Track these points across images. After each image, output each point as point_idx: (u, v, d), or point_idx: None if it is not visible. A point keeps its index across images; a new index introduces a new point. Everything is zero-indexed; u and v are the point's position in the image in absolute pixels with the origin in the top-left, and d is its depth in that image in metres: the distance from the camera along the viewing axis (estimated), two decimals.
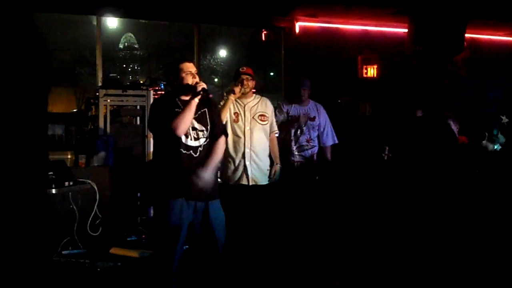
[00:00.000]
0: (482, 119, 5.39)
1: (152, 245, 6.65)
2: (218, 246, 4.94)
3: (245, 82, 6.27)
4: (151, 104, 5.12)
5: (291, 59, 10.74)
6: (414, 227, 2.20)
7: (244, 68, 6.37)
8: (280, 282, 5.85)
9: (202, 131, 4.95)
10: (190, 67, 4.98)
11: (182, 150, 4.80)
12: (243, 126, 6.29)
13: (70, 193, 6.76)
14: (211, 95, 5.15)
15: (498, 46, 12.21)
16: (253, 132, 6.32)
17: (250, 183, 6.27)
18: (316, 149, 7.58)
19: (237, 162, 6.27)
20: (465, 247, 2.15)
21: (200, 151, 4.90)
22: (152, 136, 5.32)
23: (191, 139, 4.88)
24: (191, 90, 4.86)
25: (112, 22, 12.48)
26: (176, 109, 4.83)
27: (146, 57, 17.38)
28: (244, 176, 6.26)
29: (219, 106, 6.09)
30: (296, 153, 7.45)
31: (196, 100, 4.79)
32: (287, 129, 7.40)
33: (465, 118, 6.95)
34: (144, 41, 16.36)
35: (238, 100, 6.35)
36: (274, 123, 6.66)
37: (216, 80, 18.65)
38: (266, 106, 6.51)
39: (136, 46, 17.15)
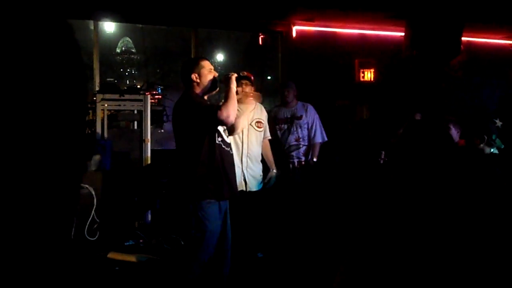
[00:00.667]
0: (481, 123, 5.42)
1: (153, 250, 6.67)
2: (229, 246, 4.94)
3: (244, 87, 6.17)
4: (186, 103, 4.82)
5: (288, 63, 10.76)
6: (410, 228, 2.21)
7: (245, 72, 6.32)
8: (280, 283, 5.86)
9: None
10: (209, 64, 4.95)
11: (224, 147, 4.81)
12: (241, 134, 6.22)
13: None
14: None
15: (495, 49, 12.24)
16: (250, 139, 6.32)
17: (247, 190, 6.27)
18: (304, 149, 7.62)
19: (236, 169, 6.23)
20: (462, 247, 2.16)
21: (231, 147, 4.98)
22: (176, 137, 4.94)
23: (226, 136, 4.93)
24: (223, 82, 4.85)
25: (109, 27, 12.50)
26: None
27: (144, 61, 17.40)
28: (243, 182, 6.23)
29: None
30: (287, 154, 7.48)
31: (234, 88, 4.76)
32: (275, 132, 7.43)
33: (466, 121, 6.99)
34: (141, 46, 16.36)
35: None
36: (267, 129, 6.70)
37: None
38: (261, 112, 6.54)
39: (133, 50, 17.16)
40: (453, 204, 2.31)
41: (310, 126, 7.61)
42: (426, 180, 2.33)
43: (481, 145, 5.22)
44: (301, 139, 7.54)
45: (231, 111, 4.60)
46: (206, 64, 4.89)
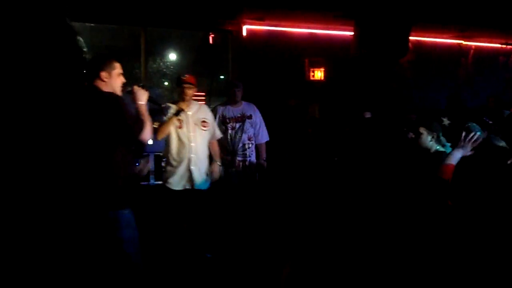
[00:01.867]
0: (426, 122, 5.51)
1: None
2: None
3: (186, 91, 6.38)
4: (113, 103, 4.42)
5: (239, 62, 10.76)
6: (357, 226, 2.24)
7: (186, 76, 6.40)
8: (229, 282, 5.87)
9: None
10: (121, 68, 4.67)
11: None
12: (187, 133, 6.34)
13: None
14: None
15: (443, 48, 12.41)
16: (196, 138, 6.40)
17: (194, 187, 6.34)
18: (254, 147, 7.67)
19: (182, 167, 6.31)
20: (399, 244, 2.19)
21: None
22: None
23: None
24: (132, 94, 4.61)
25: None
26: None
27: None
28: (189, 180, 6.32)
29: (163, 119, 6.28)
30: (240, 152, 7.49)
31: (143, 102, 4.57)
32: (226, 131, 7.44)
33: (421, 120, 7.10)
34: (91, 45, 16.19)
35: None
36: (217, 128, 6.82)
37: (166, 83, 18.53)
38: (206, 112, 6.65)
39: (84, 49, 16.98)
40: (396, 199, 2.34)
41: (258, 126, 7.66)
42: (373, 176, 2.37)
43: (430, 142, 5.31)
44: (252, 138, 7.59)
45: (147, 132, 4.40)
46: (119, 67, 4.62)
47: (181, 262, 6.21)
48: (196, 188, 6.35)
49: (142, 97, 4.62)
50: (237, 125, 7.52)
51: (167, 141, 6.37)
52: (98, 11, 9.62)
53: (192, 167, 6.31)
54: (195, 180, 6.33)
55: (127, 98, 4.55)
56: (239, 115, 7.54)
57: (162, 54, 17.92)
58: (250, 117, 7.58)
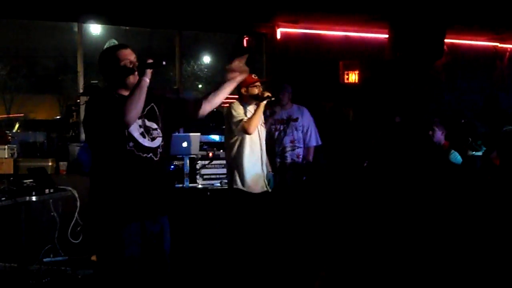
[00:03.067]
0: (471, 126, 5.46)
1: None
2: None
3: (259, 88, 6.09)
4: (86, 104, 3.92)
5: (273, 64, 10.78)
6: (392, 232, 2.25)
7: (253, 75, 6.11)
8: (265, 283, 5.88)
9: (156, 129, 3.90)
10: (128, 54, 3.84)
11: (140, 153, 3.77)
12: (257, 132, 6.06)
13: (51, 200, 6.73)
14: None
15: (478, 51, 12.31)
16: (261, 137, 6.17)
17: (269, 189, 6.16)
18: (301, 150, 7.67)
19: (258, 169, 6.08)
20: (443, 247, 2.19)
21: (160, 152, 3.88)
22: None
23: (148, 140, 3.84)
24: (138, 69, 3.70)
25: (95, 29, 12.45)
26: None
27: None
28: (265, 182, 6.13)
29: (248, 113, 5.93)
30: (279, 154, 7.54)
31: (147, 79, 3.60)
32: (270, 131, 7.46)
33: (450, 123, 7.05)
34: None
35: (248, 106, 6.10)
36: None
37: (200, 86, 18.63)
38: None
39: None
40: (431, 203, 2.34)
41: (306, 129, 7.67)
42: (404, 181, 2.37)
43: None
44: (296, 141, 7.62)
45: (130, 107, 3.58)
46: (123, 54, 3.84)
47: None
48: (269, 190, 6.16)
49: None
50: (281, 127, 7.58)
51: (232, 142, 6.01)
52: (134, 15, 9.72)
53: (263, 168, 6.11)
54: (267, 182, 6.15)
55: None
56: (284, 118, 7.61)
57: (196, 57, 18.04)
58: (296, 120, 7.63)
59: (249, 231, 6.00)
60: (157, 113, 3.97)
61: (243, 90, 6.04)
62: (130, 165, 3.77)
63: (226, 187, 6.40)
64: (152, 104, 3.95)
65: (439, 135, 6.87)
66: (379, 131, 7.05)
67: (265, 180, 6.12)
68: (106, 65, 3.92)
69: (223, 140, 6.81)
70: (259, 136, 6.08)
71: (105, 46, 13.22)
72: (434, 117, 8.76)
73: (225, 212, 6.26)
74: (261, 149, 6.09)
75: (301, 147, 7.67)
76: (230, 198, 6.13)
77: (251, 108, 6.00)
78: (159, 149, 3.87)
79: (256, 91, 6.00)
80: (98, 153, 3.90)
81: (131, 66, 3.77)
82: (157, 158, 3.84)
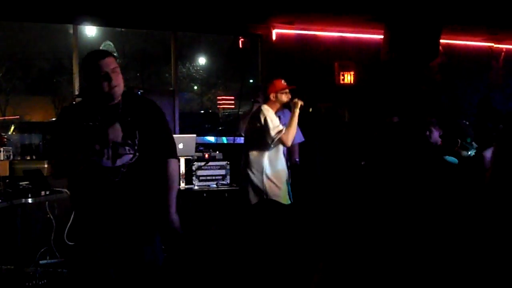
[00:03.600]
0: (457, 126, 5.45)
1: None
2: None
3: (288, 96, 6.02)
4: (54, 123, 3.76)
5: (269, 66, 10.78)
6: (387, 229, 2.24)
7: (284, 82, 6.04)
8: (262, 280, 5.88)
9: (128, 145, 3.62)
10: (108, 63, 3.57)
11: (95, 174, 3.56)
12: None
13: (46, 202, 6.74)
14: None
15: (474, 51, 12.33)
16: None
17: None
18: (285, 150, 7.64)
19: (284, 179, 6.01)
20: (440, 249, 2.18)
21: (122, 172, 3.58)
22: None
23: (106, 158, 3.57)
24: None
25: (90, 31, 12.46)
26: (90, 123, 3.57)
27: (124, 65, 17.34)
28: (288, 196, 6.08)
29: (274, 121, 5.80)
30: None
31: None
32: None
33: (445, 124, 7.05)
34: (121, 50, 16.30)
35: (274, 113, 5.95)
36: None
37: (195, 87, 18.64)
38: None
39: (115, 54, 17.14)
40: (428, 205, 2.33)
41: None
42: (401, 182, 2.36)
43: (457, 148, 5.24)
44: None
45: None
46: (104, 64, 3.56)
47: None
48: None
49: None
50: None
51: (257, 153, 5.86)
52: (129, 16, 9.70)
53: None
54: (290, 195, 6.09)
55: None
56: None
57: (191, 59, 18.04)
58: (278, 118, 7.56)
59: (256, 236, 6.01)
60: (135, 127, 3.66)
61: (272, 96, 5.89)
62: (88, 185, 3.61)
63: (233, 189, 6.34)
64: (129, 118, 3.65)
65: (436, 136, 6.88)
66: (375, 131, 7.04)
67: (289, 191, 6.08)
68: (86, 71, 3.61)
69: (219, 142, 6.80)
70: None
71: (101, 48, 13.11)
72: (430, 117, 8.78)
73: (254, 224, 6.18)
74: (285, 160, 6.06)
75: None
76: (262, 209, 5.92)
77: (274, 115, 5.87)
78: (122, 169, 3.58)
79: (284, 98, 5.91)
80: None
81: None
82: (117, 179, 3.57)
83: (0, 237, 6.29)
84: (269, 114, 5.77)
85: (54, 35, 13.72)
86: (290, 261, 5.98)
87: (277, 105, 5.91)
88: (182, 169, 7.62)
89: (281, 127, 5.72)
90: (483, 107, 9.94)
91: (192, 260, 6.29)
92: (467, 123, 5.69)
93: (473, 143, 5.33)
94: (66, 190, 6.93)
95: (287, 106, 6.58)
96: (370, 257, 2.13)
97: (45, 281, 6.20)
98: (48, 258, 6.92)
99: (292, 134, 5.73)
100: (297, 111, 5.81)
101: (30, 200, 6.09)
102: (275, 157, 5.82)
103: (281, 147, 5.87)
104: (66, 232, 7.01)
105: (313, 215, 7.47)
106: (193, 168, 7.45)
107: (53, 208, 6.89)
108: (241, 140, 8.84)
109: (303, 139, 7.72)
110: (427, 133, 6.77)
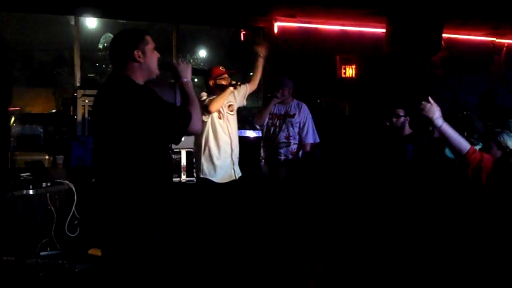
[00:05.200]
0: (467, 120, 5.43)
1: None
2: None
3: (226, 80, 6.32)
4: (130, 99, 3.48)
5: (270, 58, 10.74)
6: (387, 226, 2.23)
7: (221, 67, 6.40)
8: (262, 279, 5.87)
9: None
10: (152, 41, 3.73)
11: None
12: (226, 122, 6.28)
13: (47, 194, 6.74)
14: None
15: (476, 46, 12.31)
16: (231, 124, 6.34)
17: (237, 177, 6.34)
18: (296, 147, 7.62)
19: (228, 159, 6.28)
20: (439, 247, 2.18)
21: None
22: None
23: None
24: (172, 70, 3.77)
25: (91, 22, 12.44)
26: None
27: None
28: (233, 171, 6.32)
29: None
30: (274, 150, 7.49)
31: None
32: (267, 127, 7.49)
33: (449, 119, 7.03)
34: None
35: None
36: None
37: (196, 80, 18.60)
38: (233, 96, 6.49)
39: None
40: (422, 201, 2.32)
41: (302, 125, 7.59)
42: (399, 176, 2.35)
43: None
44: (291, 137, 7.51)
45: (197, 121, 3.66)
46: (151, 40, 3.70)
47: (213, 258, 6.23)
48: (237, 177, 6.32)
49: (186, 71, 3.80)
50: (277, 122, 7.52)
51: (201, 136, 6.21)
52: (130, 8, 9.68)
53: (234, 158, 6.30)
54: (236, 170, 6.33)
55: (161, 86, 3.97)
56: (282, 113, 7.53)
57: (192, 51, 18.00)
58: (292, 116, 7.53)
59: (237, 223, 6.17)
60: None
61: (211, 83, 6.28)
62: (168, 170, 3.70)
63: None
64: None
65: None
66: (384, 121, 7.01)
67: (234, 169, 6.29)
68: (133, 46, 3.61)
69: None
70: (228, 123, 6.27)
71: (101, 40, 13.05)
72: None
73: (194, 203, 6.40)
74: (230, 136, 6.26)
75: (296, 143, 7.60)
76: (196, 188, 6.35)
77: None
78: None
79: (224, 82, 6.24)
80: (137, 152, 3.51)
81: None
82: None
83: (1, 228, 6.29)
84: (200, 95, 6.13)
85: (54, 27, 13.67)
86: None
87: (216, 90, 6.20)
88: (184, 161, 7.62)
89: (204, 97, 6.14)
90: (485, 102, 9.93)
91: (190, 252, 6.30)
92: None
93: (479, 141, 5.29)
94: (67, 182, 6.95)
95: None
96: (365, 255, 2.13)
97: (45, 272, 6.20)
98: (48, 249, 6.93)
99: (218, 102, 6.04)
100: (229, 89, 6.19)
101: (31, 192, 6.10)
102: (211, 134, 6.18)
103: (221, 123, 6.24)
104: (67, 223, 7.01)
105: (311, 209, 7.49)
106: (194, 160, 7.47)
107: (54, 199, 6.89)
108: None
109: (318, 141, 7.72)
110: (430, 128, 6.76)
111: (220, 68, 6.34)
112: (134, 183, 3.48)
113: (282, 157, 7.50)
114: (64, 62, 15.09)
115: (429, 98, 4.27)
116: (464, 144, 3.90)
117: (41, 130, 8.58)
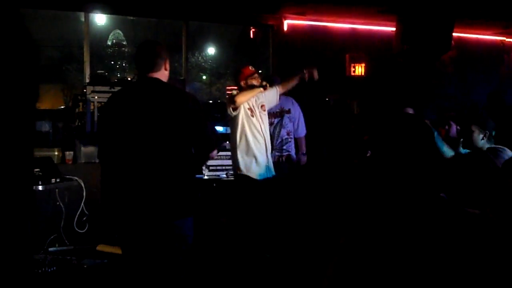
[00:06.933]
0: (479, 119, 5.38)
1: None
2: None
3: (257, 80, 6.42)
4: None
5: (279, 56, 10.75)
6: (394, 222, 2.21)
7: (251, 67, 6.49)
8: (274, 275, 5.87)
9: None
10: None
11: None
12: (258, 120, 6.34)
13: (56, 190, 6.75)
14: None
15: (486, 45, 12.27)
16: (265, 123, 6.43)
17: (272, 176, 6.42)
18: (293, 142, 7.60)
19: (264, 156, 6.33)
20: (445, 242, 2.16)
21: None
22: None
23: None
24: None
25: (100, 19, 12.43)
26: None
27: (134, 54, 17.22)
28: (268, 169, 6.39)
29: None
30: (278, 147, 7.42)
31: None
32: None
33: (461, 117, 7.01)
34: (132, 38, 16.24)
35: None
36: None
37: (204, 77, 18.58)
38: (264, 97, 6.52)
39: (124, 43, 17.06)
40: (429, 200, 2.30)
41: (297, 120, 7.59)
42: (405, 174, 2.33)
43: (482, 141, 5.14)
44: (291, 133, 7.52)
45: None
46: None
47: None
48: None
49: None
50: (276, 121, 7.47)
51: (235, 133, 6.29)
52: (140, 5, 9.68)
53: (269, 156, 6.40)
54: (271, 168, 6.41)
55: None
56: (277, 110, 7.47)
57: (201, 48, 17.98)
58: (288, 111, 7.52)
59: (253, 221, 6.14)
60: None
61: (242, 83, 6.33)
62: None
63: (233, 178, 6.46)
64: None
65: (454, 130, 6.84)
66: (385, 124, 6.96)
67: (269, 166, 6.34)
68: None
69: (228, 131, 6.81)
70: (261, 121, 6.34)
71: (110, 37, 13.13)
72: (449, 112, 8.74)
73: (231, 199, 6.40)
74: (263, 135, 6.32)
75: (293, 138, 7.59)
76: (234, 184, 6.41)
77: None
78: None
79: (254, 82, 6.30)
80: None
81: None
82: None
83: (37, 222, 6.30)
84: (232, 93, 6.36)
85: (63, 23, 13.69)
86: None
87: (248, 89, 6.25)
88: None
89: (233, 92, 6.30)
90: (494, 101, 9.88)
91: (200, 250, 6.29)
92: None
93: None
94: (76, 178, 6.96)
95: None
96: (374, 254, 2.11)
97: (54, 268, 6.21)
98: (57, 245, 6.94)
99: (245, 96, 6.14)
100: (258, 89, 6.25)
101: (40, 188, 6.11)
102: (247, 131, 6.23)
103: (254, 121, 6.28)
104: (75, 219, 7.02)
105: (317, 206, 7.47)
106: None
107: (63, 195, 6.90)
108: None
109: (305, 132, 7.70)
110: (446, 127, 6.76)
111: (250, 67, 6.39)
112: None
113: (285, 154, 7.46)
114: (73, 58, 15.10)
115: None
116: None
117: (50, 126, 8.59)
